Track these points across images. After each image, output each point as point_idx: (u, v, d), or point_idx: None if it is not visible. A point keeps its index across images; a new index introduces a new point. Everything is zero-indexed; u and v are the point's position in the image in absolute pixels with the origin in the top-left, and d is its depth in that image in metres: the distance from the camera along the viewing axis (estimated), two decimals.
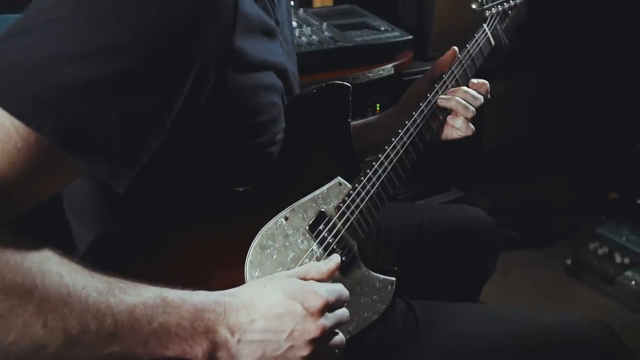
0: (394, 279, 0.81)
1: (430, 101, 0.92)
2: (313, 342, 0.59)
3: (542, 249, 2.11)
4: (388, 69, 1.58)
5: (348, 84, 0.79)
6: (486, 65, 2.32)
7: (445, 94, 0.93)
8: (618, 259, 1.95)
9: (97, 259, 0.56)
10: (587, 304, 1.88)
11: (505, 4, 1.11)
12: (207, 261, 0.66)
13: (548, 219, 2.27)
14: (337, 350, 0.63)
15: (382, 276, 0.81)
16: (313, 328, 0.58)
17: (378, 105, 1.76)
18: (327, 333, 0.60)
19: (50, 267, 0.48)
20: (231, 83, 0.61)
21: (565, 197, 2.39)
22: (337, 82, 0.79)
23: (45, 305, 0.46)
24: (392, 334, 0.80)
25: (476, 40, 1.03)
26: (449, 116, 0.94)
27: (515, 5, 1.13)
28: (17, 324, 0.45)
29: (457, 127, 0.94)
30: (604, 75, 2.34)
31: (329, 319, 0.60)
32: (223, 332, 0.55)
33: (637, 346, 1.65)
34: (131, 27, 0.48)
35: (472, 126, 0.94)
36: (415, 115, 0.89)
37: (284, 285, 0.60)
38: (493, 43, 1.07)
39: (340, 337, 0.63)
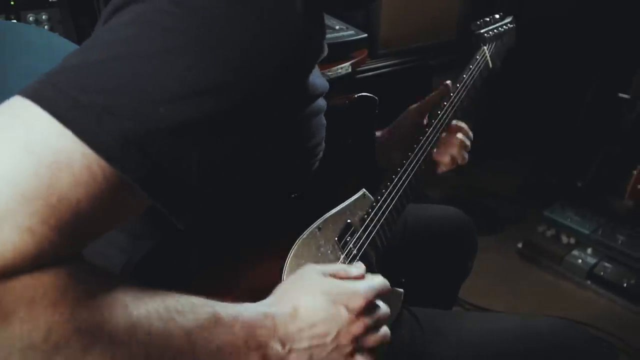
0: (402, 290, 0.82)
1: (436, 126, 0.94)
2: (357, 339, 0.60)
3: (494, 235, 2.20)
4: (346, 67, 1.60)
5: (375, 97, 0.80)
6: (430, 62, 2.35)
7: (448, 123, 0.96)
8: (565, 239, 2.07)
9: (141, 273, 0.54)
10: (539, 283, 1.98)
11: (500, 28, 1.14)
12: (246, 269, 0.65)
13: (497, 206, 2.37)
14: (382, 344, 0.64)
15: (394, 288, 0.81)
16: (356, 327, 0.59)
17: None
18: (370, 328, 0.61)
19: (117, 297, 0.45)
20: (299, 114, 0.61)
21: (511, 184, 2.50)
22: (366, 94, 0.79)
23: (114, 341, 0.43)
24: (401, 344, 0.80)
25: (477, 62, 1.04)
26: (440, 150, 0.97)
27: (508, 30, 1.16)
28: None
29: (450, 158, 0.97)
30: (541, 64, 2.44)
31: (371, 316, 0.61)
32: (274, 346, 0.55)
33: (585, 319, 1.76)
34: (230, 68, 0.45)
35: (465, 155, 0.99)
36: (429, 132, 0.91)
37: (326, 288, 0.60)
38: (491, 66, 1.09)
39: (383, 330, 0.64)
